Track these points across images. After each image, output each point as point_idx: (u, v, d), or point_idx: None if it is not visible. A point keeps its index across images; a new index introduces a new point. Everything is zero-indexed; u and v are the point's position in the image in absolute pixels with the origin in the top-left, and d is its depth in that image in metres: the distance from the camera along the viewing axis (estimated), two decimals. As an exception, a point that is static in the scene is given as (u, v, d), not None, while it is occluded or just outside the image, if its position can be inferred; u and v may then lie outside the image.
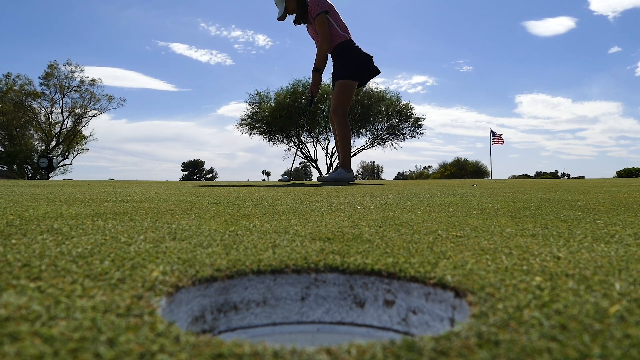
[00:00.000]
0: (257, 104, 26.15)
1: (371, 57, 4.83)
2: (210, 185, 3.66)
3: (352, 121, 26.49)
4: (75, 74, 31.64)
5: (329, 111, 5.70)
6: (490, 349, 0.36)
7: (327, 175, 4.89)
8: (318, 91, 5.00)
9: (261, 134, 26.79)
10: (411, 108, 27.18)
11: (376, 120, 27.21)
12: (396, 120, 27.43)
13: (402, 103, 27.25)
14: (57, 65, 31.40)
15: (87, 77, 32.97)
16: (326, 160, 28.39)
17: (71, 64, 31.55)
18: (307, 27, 4.89)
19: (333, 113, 4.78)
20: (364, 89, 26.28)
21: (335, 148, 5.16)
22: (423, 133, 27.65)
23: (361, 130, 27.42)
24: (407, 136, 27.72)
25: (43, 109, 31.94)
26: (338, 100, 4.74)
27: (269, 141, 27.14)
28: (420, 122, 27.29)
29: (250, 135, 27.06)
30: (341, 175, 4.75)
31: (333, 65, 4.91)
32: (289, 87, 24.73)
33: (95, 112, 32.43)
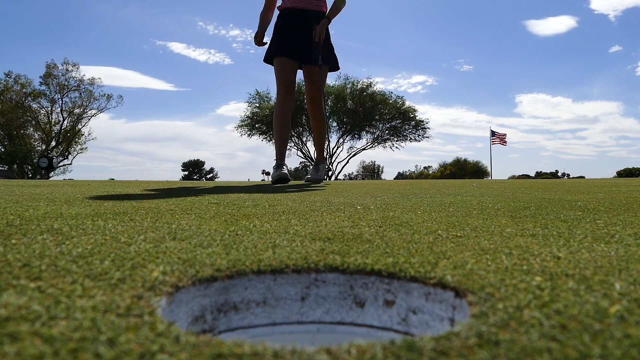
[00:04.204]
0: (257, 104, 26.21)
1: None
2: (210, 186, 3.66)
3: (354, 123, 26.53)
4: (73, 73, 31.71)
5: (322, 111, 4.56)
6: (490, 349, 0.36)
7: (313, 176, 4.36)
8: (323, 38, 4.07)
9: (261, 135, 26.87)
10: (414, 110, 27.16)
11: (378, 121, 27.24)
12: (399, 122, 27.43)
13: (405, 105, 27.24)
14: (55, 65, 31.47)
15: (84, 75, 33.08)
16: (326, 159, 28.36)
17: (68, 63, 31.62)
18: None
19: (317, 102, 4.07)
20: (368, 91, 26.28)
21: (316, 142, 4.47)
22: (428, 137, 27.66)
23: (362, 132, 27.47)
24: (409, 139, 27.70)
25: (43, 108, 31.99)
26: (322, 87, 4.06)
27: (269, 141, 27.20)
28: (423, 126, 27.26)
29: (249, 136, 27.16)
30: (323, 172, 4.31)
31: (312, 38, 3.93)
32: None
33: (94, 111, 32.51)
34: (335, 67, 4.15)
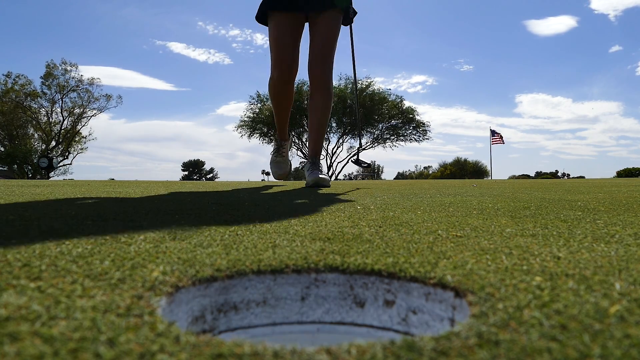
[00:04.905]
0: (258, 107, 26.30)
1: None
2: (210, 186, 3.67)
3: (354, 123, 26.55)
4: (72, 73, 31.78)
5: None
6: (490, 349, 0.36)
7: (315, 174, 2.89)
8: None
9: (261, 136, 26.95)
10: (414, 111, 27.25)
11: (377, 121, 27.32)
12: (399, 122, 27.52)
13: (405, 105, 27.36)
14: (55, 65, 31.52)
15: (82, 75, 33.22)
16: (326, 160, 28.42)
17: (66, 63, 31.68)
18: None
19: (325, 67, 2.77)
20: (368, 90, 26.28)
21: (315, 128, 2.87)
22: (429, 138, 27.83)
23: (362, 132, 27.55)
24: (409, 140, 27.84)
25: (43, 109, 32.03)
26: (333, 45, 2.78)
27: (269, 143, 27.26)
28: (424, 128, 27.42)
29: (249, 137, 27.25)
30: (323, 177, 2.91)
31: None
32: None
33: (94, 111, 32.58)
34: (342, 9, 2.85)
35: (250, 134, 27.27)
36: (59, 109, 32.20)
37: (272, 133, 26.48)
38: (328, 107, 2.89)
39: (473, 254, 0.72)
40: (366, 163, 3.55)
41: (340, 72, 30.73)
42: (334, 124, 27.54)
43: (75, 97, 32.12)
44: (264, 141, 27.59)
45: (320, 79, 2.79)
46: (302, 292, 0.61)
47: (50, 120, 32.34)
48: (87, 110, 32.46)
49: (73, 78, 31.92)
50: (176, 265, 0.62)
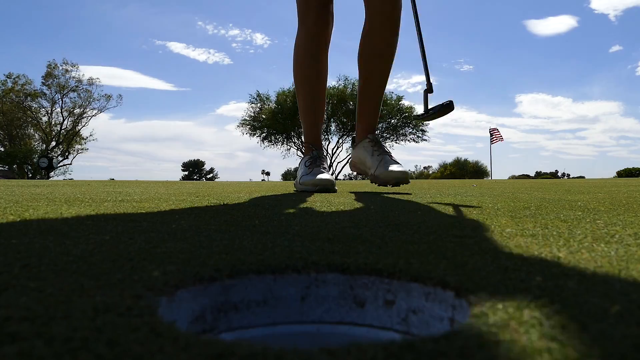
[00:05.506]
0: (259, 107, 26.37)
1: None
2: (210, 186, 3.66)
3: (355, 124, 26.53)
4: (73, 73, 31.85)
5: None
6: (490, 349, 0.36)
7: (386, 167, 2.32)
8: None
9: (262, 139, 27.01)
10: (412, 110, 27.33)
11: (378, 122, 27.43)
12: (398, 122, 27.60)
13: (405, 105, 27.46)
14: (57, 65, 31.55)
15: (83, 75, 33.35)
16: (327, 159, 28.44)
17: (67, 63, 31.71)
18: None
19: (392, 23, 2.10)
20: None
21: (362, 109, 2.26)
22: (427, 139, 27.91)
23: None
24: (408, 140, 27.95)
25: (43, 109, 32.07)
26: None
27: (269, 143, 27.31)
28: (422, 127, 27.51)
29: (250, 136, 27.31)
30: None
31: None
32: (292, 88, 24.92)
33: (94, 111, 32.64)
34: None
35: (252, 134, 27.31)
36: (59, 109, 32.24)
37: (272, 134, 26.48)
38: (393, 54, 2.06)
39: (473, 254, 0.72)
40: (441, 104, 2.32)
41: (340, 73, 30.73)
42: (332, 126, 27.55)
43: (75, 97, 32.19)
44: (265, 144, 27.66)
45: (385, 9, 1.90)
46: (302, 292, 0.61)
47: (51, 120, 32.38)
48: (87, 110, 32.52)
49: (73, 78, 32.00)
50: (176, 265, 0.62)
